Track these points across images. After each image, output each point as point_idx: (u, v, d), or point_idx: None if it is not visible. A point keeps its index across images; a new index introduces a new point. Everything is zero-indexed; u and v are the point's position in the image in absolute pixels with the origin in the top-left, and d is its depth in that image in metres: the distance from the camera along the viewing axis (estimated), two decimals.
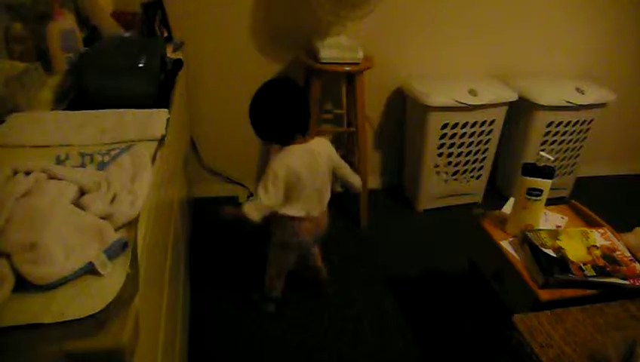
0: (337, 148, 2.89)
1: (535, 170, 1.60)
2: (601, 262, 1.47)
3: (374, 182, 2.98)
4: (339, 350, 1.89)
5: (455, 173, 2.74)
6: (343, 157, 2.87)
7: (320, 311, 2.07)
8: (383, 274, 2.30)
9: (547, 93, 2.60)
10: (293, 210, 1.72)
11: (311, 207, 1.74)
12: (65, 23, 1.70)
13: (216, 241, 2.46)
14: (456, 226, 2.66)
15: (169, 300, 1.33)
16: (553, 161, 1.61)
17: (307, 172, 1.67)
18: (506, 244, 1.63)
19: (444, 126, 2.52)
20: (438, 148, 2.60)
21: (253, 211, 1.64)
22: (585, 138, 2.82)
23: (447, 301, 2.15)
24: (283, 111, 1.66)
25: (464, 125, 2.55)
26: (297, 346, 1.90)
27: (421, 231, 2.66)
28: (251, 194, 2.83)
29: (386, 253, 2.46)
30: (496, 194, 3.00)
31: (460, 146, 2.62)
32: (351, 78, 2.39)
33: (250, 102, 1.70)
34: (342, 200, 2.89)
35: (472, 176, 2.79)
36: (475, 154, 2.69)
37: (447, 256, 2.42)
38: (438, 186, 2.75)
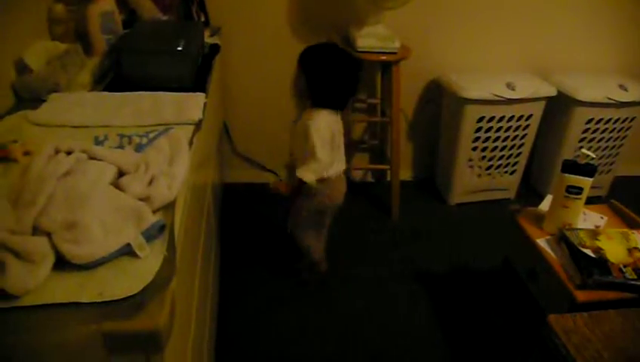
0: (371, 138, 2.89)
1: (575, 167, 1.56)
2: None
3: (406, 173, 2.95)
4: (368, 341, 1.89)
5: (489, 168, 2.69)
6: (375, 146, 2.87)
7: (350, 302, 2.06)
8: (414, 266, 2.28)
9: (587, 89, 2.53)
10: (332, 170, 1.77)
11: (340, 166, 1.82)
12: (105, 5, 1.71)
13: (245, 226, 2.47)
14: (488, 221, 2.61)
15: (201, 282, 1.33)
16: (593, 158, 1.57)
17: (338, 133, 1.74)
18: (542, 242, 1.59)
19: (480, 119, 2.47)
20: (473, 142, 2.55)
21: (308, 174, 1.69)
22: (625, 136, 2.73)
23: (478, 297, 2.12)
24: (352, 80, 1.73)
25: (500, 119, 2.49)
26: (326, 334, 1.90)
27: (453, 225, 2.62)
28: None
29: (417, 245, 2.44)
30: (530, 190, 2.94)
31: (495, 140, 2.57)
32: (387, 68, 2.36)
33: (314, 61, 1.71)
34: (373, 191, 2.88)
35: (506, 172, 2.74)
36: (511, 149, 2.64)
37: (479, 251, 2.38)
38: (471, 180, 2.71)
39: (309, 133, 1.66)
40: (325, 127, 1.67)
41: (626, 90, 2.55)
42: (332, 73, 1.69)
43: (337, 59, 1.70)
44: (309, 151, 1.67)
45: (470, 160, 2.63)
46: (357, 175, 2.95)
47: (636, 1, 2.63)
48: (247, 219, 2.53)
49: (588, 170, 1.55)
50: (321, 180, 1.74)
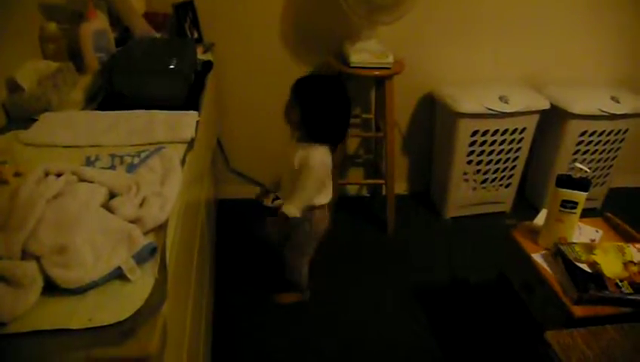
0: (365, 153, 2.88)
1: (570, 181, 1.56)
2: (639, 279, 1.41)
3: (401, 187, 2.95)
4: (364, 356, 1.87)
5: (484, 181, 2.68)
6: (370, 161, 2.87)
7: (345, 317, 2.04)
8: (409, 281, 2.26)
9: (581, 102, 2.53)
10: (322, 200, 1.80)
11: (327, 197, 1.83)
12: (98, 23, 1.71)
13: (240, 242, 2.46)
14: (484, 235, 2.61)
15: (194, 303, 1.32)
16: (587, 173, 1.56)
17: (330, 168, 1.76)
18: (537, 257, 1.58)
19: (474, 133, 2.47)
20: (468, 156, 2.55)
21: (292, 209, 1.70)
22: (619, 148, 2.74)
23: (474, 311, 2.10)
24: (347, 116, 1.73)
25: (494, 133, 2.49)
26: (320, 351, 1.88)
27: (448, 239, 2.61)
28: (277, 198, 2.82)
29: (412, 259, 2.43)
30: (525, 203, 2.93)
31: (489, 154, 2.57)
32: (380, 83, 2.36)
33: (312, 95, 1.67)
34: (369, 205, 2.87)
35: (501, 185, 2.73)
36: (505, 162, 2.64)
37: (475, 265, 2.37)
38: (466, 194, 2.71)
39: (307, 171, 1.67)
40: (325, 165, 1.69)
41: (618, 102, 2.55)
42: (331, 109, 1.67)
43: (335, 95, 1.68)
44: (300, 185, 1.69)
45: (465, 173, 2.63)
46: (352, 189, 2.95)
47: (628, 14, 2.65)
48: (242, 234, 2.52)
49: (582, 184, 1.55)
50: (310, 209, 1.78)
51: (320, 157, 1.67)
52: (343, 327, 2.00)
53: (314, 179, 1.68)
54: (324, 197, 1.81)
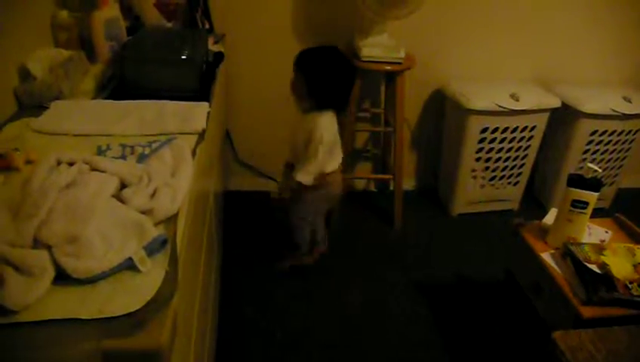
0: (374, 148, 2.87)
1: (581, 181, 1.55)
2: None
3: (409, 183, 2.94)
4: (367, 352, 1.87)
5: (492, 179, 2.67)
6: (378, 156, 2.86)
7: (349, 311, 2.05)
8: (414, 277, 2.26)
9: (592, 101, 2.51)
10: (333, 165, 1.88)
11: (338, 160, 1.92)
12: (109, 11, 1.70)
13: (247, 234, 2.45)
14: (491, 233, 2.60)
15: (202, 293, 1.32)
16: (598, 173, 1.55)
17: (337, 131, 1.86)
18: (546, 256, 1.58)
19: (484, 130, 2.46)
20: (477, 153, 2.54)
21: (306, 177, 1.81)
22: (629, 148, 2.72)
23: (480, 310, 2.10)
24: (351, 81, 1.86)
25: (504, 130, 2.48)
26: (323, 343, 1.88)
27: (455, 236, 2.61)
28: None
29: (419, 255, 2.42)
30: (533, 201, 2.92)
31: (498, 151, 2.56)
32: (391, 78, 2.35)
33: (315, 64, 1.79)
34: (375, 200, 2.87)
35: (509, 183, 2.72)
36: (514, 160, 2.62)
37: (481, 262, 2.36)
38: (473, 191, 2.70)
39: (315, 137, 1.75)
40: (331, 130, 1.79)
41: (630, 102, 2.53)
42: (334, 76, 1.77)
43: (337, 62, 1.78)
44: (311, 153, 1.77)
45: (473, 170, 2.61)
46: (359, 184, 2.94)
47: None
48: (249, 226, 2.52)
49: (594, 184, 1.54)
50: (322, 176, 1.84)
51: (326, 122, 1.77)
52: (347, 321, 2.00)
53: (323, 145, 1.75)
54: (334, 163, 1.89)
